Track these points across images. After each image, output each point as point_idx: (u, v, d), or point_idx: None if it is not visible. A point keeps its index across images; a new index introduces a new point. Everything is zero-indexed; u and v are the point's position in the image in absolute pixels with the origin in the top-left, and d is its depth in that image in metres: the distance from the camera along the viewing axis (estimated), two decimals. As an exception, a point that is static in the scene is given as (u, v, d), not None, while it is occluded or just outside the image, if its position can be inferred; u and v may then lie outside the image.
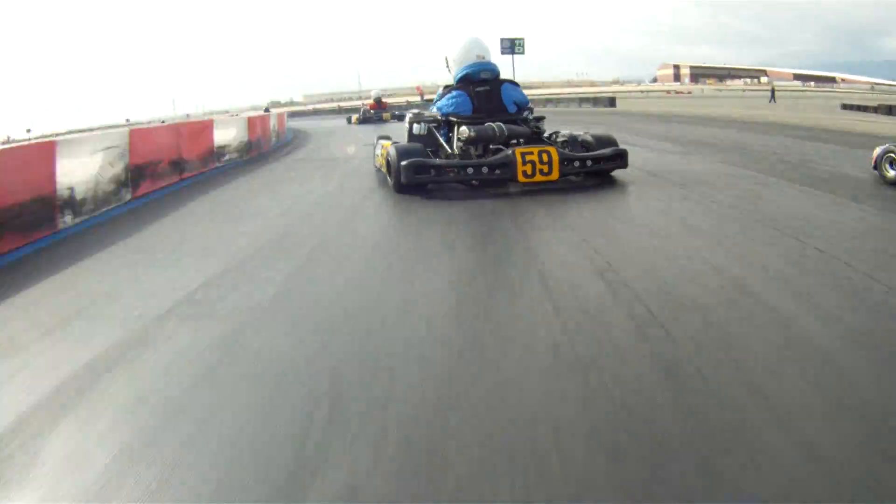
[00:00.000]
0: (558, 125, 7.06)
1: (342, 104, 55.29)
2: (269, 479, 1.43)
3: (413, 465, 1.46)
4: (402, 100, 43.20)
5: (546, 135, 5.92)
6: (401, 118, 21.24)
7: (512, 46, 41.16)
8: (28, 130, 62.16)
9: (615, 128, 9.20)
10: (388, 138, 6.46)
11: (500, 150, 5.30)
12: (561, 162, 5.25)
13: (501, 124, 5.49)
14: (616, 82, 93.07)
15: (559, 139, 5.92)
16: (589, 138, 5.88)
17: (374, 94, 24.08)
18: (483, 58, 6.11)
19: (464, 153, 5.52)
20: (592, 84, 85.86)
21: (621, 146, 5.77)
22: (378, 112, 21.53)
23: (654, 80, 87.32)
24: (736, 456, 1.43)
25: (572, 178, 5.59)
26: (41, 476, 1.52)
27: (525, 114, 5.94)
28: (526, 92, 6.33)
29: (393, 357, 2.08)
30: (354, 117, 21.87)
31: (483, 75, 5.97)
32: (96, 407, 1.84)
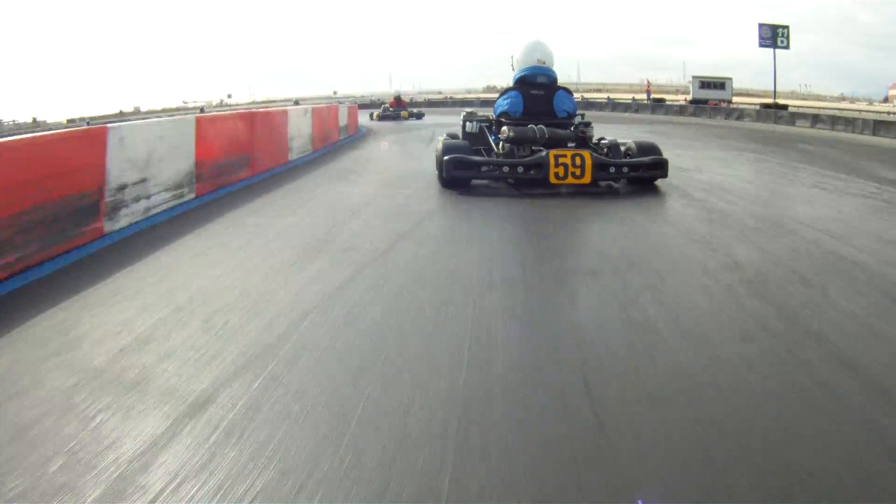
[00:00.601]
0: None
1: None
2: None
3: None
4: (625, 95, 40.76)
5: (595, 140, 6.20)
6: (419, 116, 21.98)
7: (773, 36, 32.43)
8: (229, 96, 71.75)
9: None
10: (455, 137, 6.86)
11: (541, 151, 5.68)
12: (595, 167, 5.50)
13: (543, 127, 5.89)
14: (843, 98, 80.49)
15: (604, 144, 6.15)
16: (632, 145, 6.08)
17: (394, 92, 25.45)
18: (543, 62, 6.45)
19: (509, 153, 5.97)
20: (818, 98, 75.33)
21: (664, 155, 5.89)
22: (397, 110, 22.66)
23: (886, 100, 74.40)
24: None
25: (612, 184, 5.86)
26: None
27: (574, 120, 6.32)
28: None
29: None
30: (375, 113, 22.65)
31: (539, 79, 6.36)
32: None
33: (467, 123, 6.71)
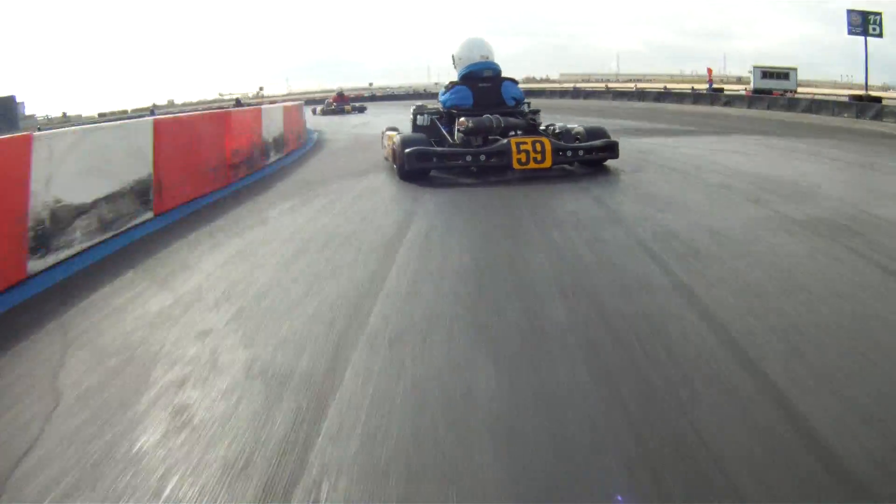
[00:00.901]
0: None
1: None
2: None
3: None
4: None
5: (542, 127, 6.34)
6: (361, 110, 22.83)
7: (864, 24, 29.05)
8: (261, 88, 72.24)
9: None
10: (395, 130, 7.13)
11: (498, 140, 5.81)
12: (554, 151, 5.68)
13: (499, 116, 5.99)
14: (887, 88, 75.41)
15: (554, 130, 6.32)
16: (581, 130, 6.25)
17: (336, 88, 27.11)
18: (486, 58, 6.59)
19: (465, 143, 6.05)
20: (861, 88, 70.23)
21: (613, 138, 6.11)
22: (340, 104, 23.83)
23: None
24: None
25: (566, 166, 6.03)
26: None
27: (522, 107, 6.40)
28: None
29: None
30: (319, 108, 23.49)
31: (486, 73, 6.48)
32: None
33: (418, 116, 6.75)
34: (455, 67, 6.73)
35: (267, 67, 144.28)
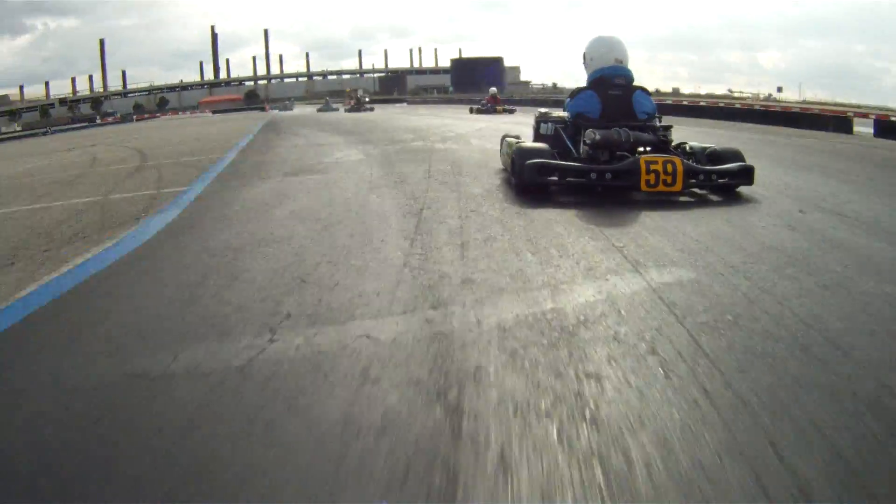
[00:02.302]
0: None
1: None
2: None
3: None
4: None
5: (674, 145, 5.77)
6: (511, 111, 25.24)
7: None
8: (780, 89, 73.03)
9: None
10: (517, 137, 6.50)
11: (626, 156, 5.26)
12: (685, 174, 5.05)
13: (628, 130, 5.41)
14: None
15: (686, 150, 5.63)
16: (715, 150, 5.50)
17: (491, 91, 30.07)
18: (621, 62, 5.86)
19: (590, 157, 5.53)
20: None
21: (748, 162, 5.38)
22: (492, 105, 26.82)
23: None
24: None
25: (696, 191, 5.52)
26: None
27: (653, 121, 5.87)
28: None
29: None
30: (475, 108, 26.97)
31: (618, 80, 5.78)
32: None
33: (541, 125, 6.21)
34: (585, 69, 6.11)
35: (785, 70, 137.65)
